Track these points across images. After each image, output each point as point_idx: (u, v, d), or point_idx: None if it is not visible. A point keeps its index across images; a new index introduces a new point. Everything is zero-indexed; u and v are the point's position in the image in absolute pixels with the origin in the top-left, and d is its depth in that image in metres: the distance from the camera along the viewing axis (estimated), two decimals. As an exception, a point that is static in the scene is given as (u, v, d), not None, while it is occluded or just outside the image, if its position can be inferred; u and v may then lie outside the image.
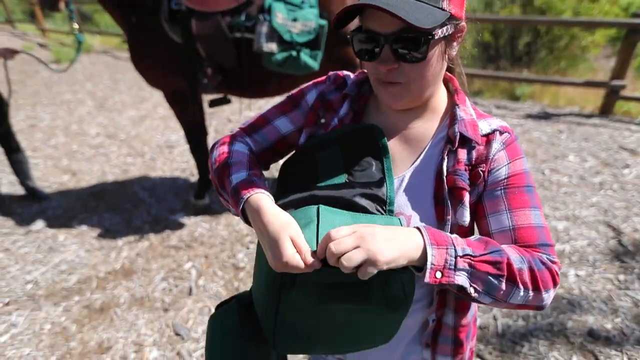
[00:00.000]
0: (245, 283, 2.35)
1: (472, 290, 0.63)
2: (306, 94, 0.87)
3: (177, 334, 2.03)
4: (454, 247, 0.63)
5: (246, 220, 0.73)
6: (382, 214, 0.70)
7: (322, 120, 0.83)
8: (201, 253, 2.60)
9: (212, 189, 3.24)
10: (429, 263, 0.61)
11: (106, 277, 2.40)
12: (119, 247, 2.66)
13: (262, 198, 0.69)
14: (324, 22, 2.27)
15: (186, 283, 2.35)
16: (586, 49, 6.36)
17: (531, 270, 0.65)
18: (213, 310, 2.14)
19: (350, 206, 0.70)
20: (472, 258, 0.63)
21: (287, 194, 0.75)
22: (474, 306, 0.87)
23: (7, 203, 3.11)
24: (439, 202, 0.74)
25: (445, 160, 0.74)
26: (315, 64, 2.32)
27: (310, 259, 0.60)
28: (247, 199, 0.70)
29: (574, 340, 1.97)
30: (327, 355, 0.85)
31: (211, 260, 2.54)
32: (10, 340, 2.00)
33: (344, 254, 0.57)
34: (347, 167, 0.74)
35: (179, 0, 2.30)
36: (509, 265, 0.64)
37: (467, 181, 0.73)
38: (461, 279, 0.62)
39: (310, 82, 0.89)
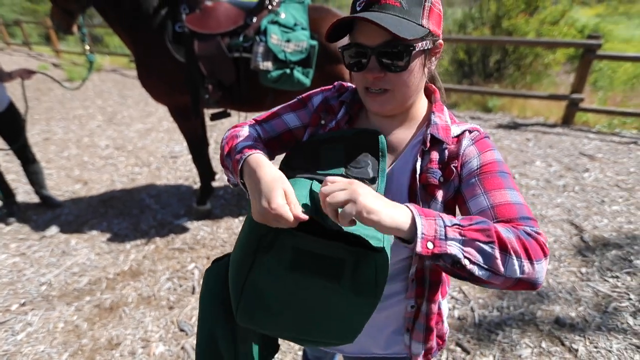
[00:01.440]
0: (244, 281, 2.33)
1: (466, 262, 0.56)
2: (313, 97, 0.89)
3: (182, 330, 2.00)
4: (442, 218, 0.58)
5: (243, 184, 0.72)
6: None
7: (322, 122, 0.86)
8: (203, 255, 2.57)
9: (214, 195, 3.23)
10: (419, 232, 0.55)
11: (115, 278, 2.37)
12: (127, 250, 2.62)
13: (261, 157, 0.70)
14: (314, 42, 2.29)
15: (190, 282, 2.33)
16: (549, 65, 6.48)
17: (519, 239, 0.60)
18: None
19: None
20: (461, 227, 0.58)
21: (289, 172, 0.74)
22: (442, 296, 0.87)
23: (23, 211, 3.06)
24: (412, 197, 0.75)
25: (419, 161, 0.75)
26: (307, 81, 2.34)
27: (297, 211, 0.59)
28: (248, 156, 0.71)
29: (543, 327, 1.98)
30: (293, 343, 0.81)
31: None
32: (27, 338, 1.96)
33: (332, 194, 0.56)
34: (346, 162, 0.74)
35: (182, 24, 2.31)
36: (497, 233, 0.58)
37: (440, 178, 0.74)
38: (454, 249, 0.56)
39: (319, 89, 0.91)
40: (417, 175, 0.74)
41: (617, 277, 2.31)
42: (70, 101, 6.14)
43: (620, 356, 1.82)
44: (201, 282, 0.82)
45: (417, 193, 0.74)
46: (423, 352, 0.86)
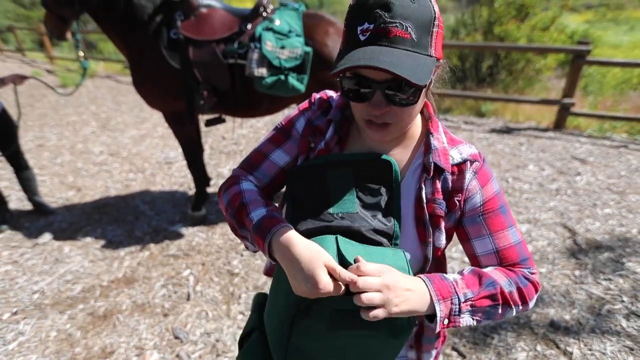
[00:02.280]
0: (239, 288, 2.32)
1: (474, 323, 0.68)
2: (295, 122, 0.83)
3: (177, 337, 1.98)
4: (457, 295, 0.67)
5: (270, 255, 0.69)
6: (389, 247, 0.71)
7: (312, 145, 0.81)
8: (198, 261, 2.56)
9: (208, 201, 3.22)
10: (438, 318, 0.65)
11: (109, 285, 2.34)
12: (121, 257, 2.60)
13: (288, 231, 0.66)
14: (309, 49, 2.30)
15: (185, 289, 2.31)
16: (540, 71, 6.56)
17: (519, 289, 0.71)
18: (210, 315, 2.11)
19: (363, 239, 0.70)
20: (472, 300, 0.68)
21: (300, 214, 0.73)
22: None
23: (15, 218, 3.02)
24: (420, 225, 0.74)
25: (424, 189, 0.74)
26: (301, 87, 2.35)
27: (345, 277, 0.60)
28: (274, 233, 0.67)
29: (538, 331, 1.99)
30: None
31: (208, 267, 2.50)
32: (18, 348, 1.92)
33: (367, 291, 0.59)
34: (358, 193, 0.73)
35: (177, 30, 2.31)
36: (502, 293, 0.69)
37: (445, 209, 0.74)
38: (465, 320, 0.67)
39: (297, 110, 0.85)
40: (425, 205, 0.74)
41: (610, 279, 2.32)
42: (64, 107, 6.11)
43: (614, 358, 1.83)
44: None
45: (426, 223, 0.74)
46: (434, 355, 0.88)
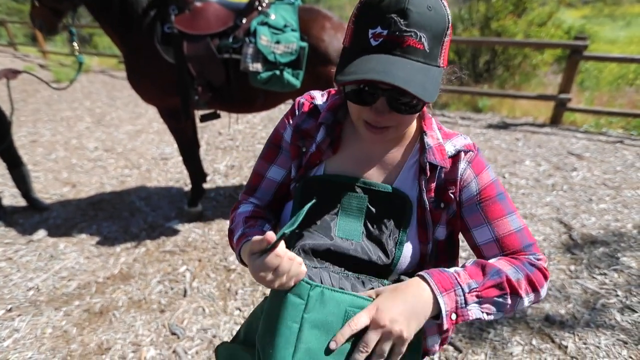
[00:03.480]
0: (236, 284, 2.32)
1: (484, 316, 0.64)
2: (283, 134, 0.84)
3: (173, 333, 1.98)
4: (460, 286, 0.64)
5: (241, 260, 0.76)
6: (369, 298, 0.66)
7: (304, 150, 0.81)
8: (195, 257, 2.55)
9: (205, 197, 3.21)
10: (443, 312, 0.61)
11: (105, 282, 2.34)
12: (117, 253, 2.59)
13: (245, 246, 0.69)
14: (304, 44, 2.29)
15: (181, 285, 2.31)
16: (537, 66, 6.57)
17: (527, 276, 0.68)
18: (207, 311, 2.11)
19: (357, 268, 0.71)
20: (478, 290, 0.64)
21: (307, 226, 0.74)
22: None
23: (9, 214, 3.00)
24: (422, 226, 0.74)
25: (424, 191, 0.73)
26: (297, 82, 2.33)
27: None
28: (239, 249, 0.74)
29: (533, 325, 2.01)
30: None
31: (204, 263, 2.49)
32: (13, 345, 1.92)
33: (375, 348, 0.59)
34: (367, 223, 0.74)
35: (171, 25, 2.29)
36: (510, 281, 0.66)
37: (441, 205, 0.74)
38: (474, 312, 0.64)
39: (282, 120, 0.85)
40: (426, 206, 0.74)
41: (604, 274, 2.34)
42: (58, 103, 6.05)
43: (608, 352, 1.85)
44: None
45: (427, 223, 0.74)
46: (440, 340, 0.86)
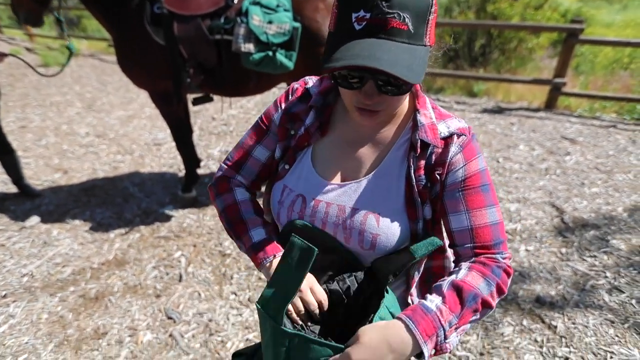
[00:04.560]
0: (231, 268, 2.33)
1: (460, 338, 0.68)
2: (273, 116, 0.85)
3: (169, 318, 2.00)
4: (442, 327, 0.64)
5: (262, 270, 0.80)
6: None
7: (292, 132, 0.82)
8: (190, 242, 2.55)
9: (199, 182, 3.19)
10: (426, 356, 0.63)
11: (100, 267, 2.34)
12: (111, 239, 2.58)
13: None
14: (297, 24, 2.24)
15: (176, 270, 2.31)
16: (533, 50, 6.52)
17: (497, 285, 0.71)
18: (202, 295, 2.12)
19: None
20: (457, 324, 0.66)
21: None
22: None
23: (0, 201, 2.97)
24: (410, 203, 0.75)
25: (412, 169, 0.73)
26: (290, 64, 2.29)
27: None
28: (271, 260, 0.78)
29: (524, 306, 2.05)
30: None
31: (199, 248, 2.50)
32: (9, 330, 1.92)
33: None
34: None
35: (161, 5, 2.23)
36: (484, 301, 0.69)
37: (428, 184, 0.74)
38: (452, 342, 0.66)
39: (274, 102, 0.86)
40: (414, 183, 0.74)
41: (594, 256, 2.39)
42: (47, 87, 5.92)
43: (596, 331, 1.90)
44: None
45: (416, 201, 0.74)
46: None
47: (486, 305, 0.69)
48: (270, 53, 2.22)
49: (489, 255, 0.73)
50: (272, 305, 0.68)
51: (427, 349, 0.63)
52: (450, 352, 0.67)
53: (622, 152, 3.76)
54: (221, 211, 0.87)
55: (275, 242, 0.81)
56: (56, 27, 2.53)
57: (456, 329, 0.66)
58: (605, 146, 3.89)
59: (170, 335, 1.90)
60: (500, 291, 0.71)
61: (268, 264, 0.78)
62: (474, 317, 0.69)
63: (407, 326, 0.63)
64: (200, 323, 1.97)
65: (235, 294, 2.15)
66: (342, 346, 0.63)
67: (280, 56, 2.24)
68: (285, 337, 0.66)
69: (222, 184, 0.90)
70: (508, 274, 0.73)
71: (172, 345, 1.85)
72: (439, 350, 0.65)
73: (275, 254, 0.79)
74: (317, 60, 2.37)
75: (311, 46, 2.34)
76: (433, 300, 0.67)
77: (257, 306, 0.70)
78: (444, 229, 0.81)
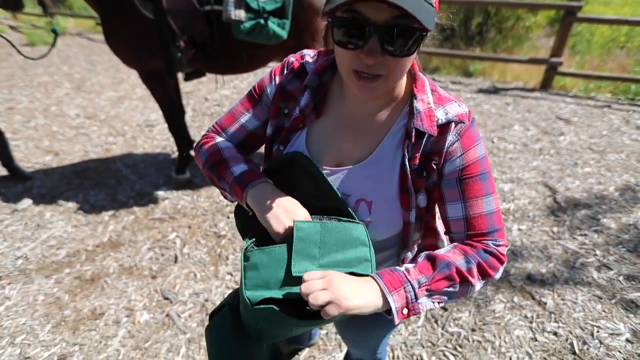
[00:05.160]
0: (226, 249, 2.34)
1: (436, 305, 0.68)
2: (266, 87, 0.83)
3: (166, 298, 2.01)
4: (410, 283, 0.65)
5: (246, 203, 0.76)
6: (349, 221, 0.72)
7: (286, 111, 0.80)
8: (184, 224, 2.55)
9: (192, 164, 3.17)
10: (393, 309, 0.63)
11: (95, 249, 2.33)
12: (105, 221, 2.57)
13: (270, 185, 0.75)
14: None
15: (172, 252, 2.32)
16: (530, 29, 6.44)
17: (479, 264, 0.70)
18: (198, 276, 2.14)
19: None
20: (427, 284, 0.66)
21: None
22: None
23: (-10, 184, 2.93)
24: (404, 192, 0.73)
25: (407, 157, 0.72)
26: (283, 33, 2.23)
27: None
28: (256, 185, 0.74)
29: (516, 284, 2.09)
30: None
31: (194, 230, 2.50)
32: (6, 312, 1.93)
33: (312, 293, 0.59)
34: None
35: (149, -22, 2.15)
36: (460, 272, 0.68)
37: (424, 173, 0.73)
38: (425, 304, 0.66)
39: (269, 73, 0.83)
40: (408, 171, 0.72)
41: (585, 234, 2.43)
42: (34, 67, 5.76)
43: (584, 307, 1.95)
44: (205, 339, 0.85)
45: (409, 189, 0.73)
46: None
47: (463, 278, 0.68)
48: (262, 21, 2.15)
49: (481, 240, 0.73)
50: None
51: (394, 300, 0.63)
52: (423, 313, 0.68)
53: (615, 132, 3.78)
54: (204, 162, 0.84)
55: (258, 172, 0.78)
56: (39, 7, 2.41)
57: (428, 290, 0.66)
58: (599, 126, 3.90)
59: (167, 315, 1.92)
60: (483, 272, 0.70)
61: (254, 187, 0.74)
62: (449, 287, 0.68)
63: (374, 279, 0.66)
64: (196, 303, 1.99)
65: (231, 275, 2.16)
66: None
67: (273, 25, 2.18)
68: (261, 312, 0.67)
69: (204, 139, 0.88)
70: (498, 259, 0.72)
71: (169, 325, 1.87)
72: (411, 309, 0.65)
73: (262, 179, 0.75)
74: (312, 30, 2.31)
75: (305, 14, 2.27)
76: (404, 265, 0.70)
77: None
78: (438, 215, 0.81)
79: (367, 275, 0.67)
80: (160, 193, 2.84)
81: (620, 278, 2.11)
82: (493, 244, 0.72)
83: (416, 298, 0.65)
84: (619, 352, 1.73)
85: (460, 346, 1.77)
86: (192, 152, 3.21)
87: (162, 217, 2.60)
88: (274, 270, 0.65)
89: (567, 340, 1.79)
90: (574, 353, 1.73)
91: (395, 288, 0.64)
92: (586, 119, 4.06)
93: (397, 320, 0.63)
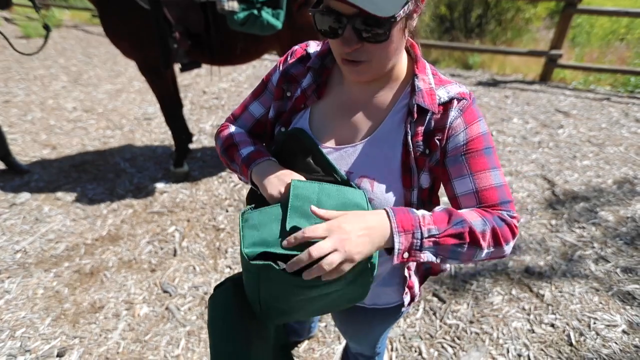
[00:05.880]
0: (225, 243, 2.34)
1: (437, 260, 0.66)
2: (272, 75, 0.87)
3: (165, 291, 2.02)
4: (420, 229, 0.64)
5: (252, 181, 0.80)
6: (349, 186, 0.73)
7: (288, 94, 0.82)
8: (183, 217, 2.55)
9: (191, 157, 3.15)
10: (396, 249, 0.62)
11: (93, 243, 2.33)
12: (104, 215, 2.56)
13: (273, 163, 0.78)
14: None
15: (171, 245, 2.32)
16: (529, 21, 6.39)
17: (493, 229, 0.67)
18: (197, 269, 2.14)
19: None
20: (437, 237, 0.64)
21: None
22: None
23: (-12, 178, 2.91)
24: (406, 170, 0.73)
25: (410, 135, 0.72)
26: (277, 23, 2.21)
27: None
28: (259, 162, 0.78)
29: (514, 276, 2.10)
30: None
31: (193, 223, 2.50)
32: (6, 305, 1.93)
33: (324, 256, 0.58)
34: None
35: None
36: (472, 232, 0.65)
37: (427, 151, 0.73)
38: (427, 256, 0.65)
39: (276, 64, 0.87)
40: (411, 150, 0.72)
41: (583, 227, 2.43)
42: (29, 60, 5.70)
43: (581, 299, 1.96)
44: (208, 311, 0.83)
45: (412, 168, 0.73)
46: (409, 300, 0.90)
47: (474, 239, 0.66)
48: (255, 11, 2.13)
49: (496, 209, 0.71)
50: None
51: (399, 242, 0.63)
52: (420, 260, 0.65)
53: (614, 125, 3.77)
54: (220, 148, 0.90)
55: (263, 151, 0.82)
56: (30, 1, 2.35)
57: (435, 244, 0.64)
58: (598, 119, 3.89)
59: (167, 308, 1.92)
60: (495, 239, 0.68)
61: (257, 164, 0.78)
62: (458, 246, 0.65)
63: (387, 213, 0.65)
64: (196, 296, 1.99)
65: (230, 268, 2.16)
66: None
67: (267, 15, 2.16)
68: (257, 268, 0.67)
69: (221, 127, 0.94)
70: (511, 231, 0.70)
71: (169, 318, 1.88)
72: (412, 255, 0.64)
73: (265, 157, 0.79)
74: (306, 20, 2.29)
75: (299, 4, 2.25)
76: (421, 210, 0.68)
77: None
78: (445, 198, 0.81)
79: (383, 209, 0.67)
80: (159, 186, 2.83)
81: (618, 270, 2.12)
82: (507, 214, 0.71)
83: (421, 247, 0.64)
84: (615, 343, 1.74)
85: (459, 338, 1.78)
86: (190, 145, 3.19)
87: (161, 211, 2.60)
88: (271, 228, 0.65)
89: (564, 331, 1.80)
90: (571, 344, 1.74)
91: (405, 230, 0.63)
92: (585, 111, 4.05)
93: (395, 260, 0.63)
